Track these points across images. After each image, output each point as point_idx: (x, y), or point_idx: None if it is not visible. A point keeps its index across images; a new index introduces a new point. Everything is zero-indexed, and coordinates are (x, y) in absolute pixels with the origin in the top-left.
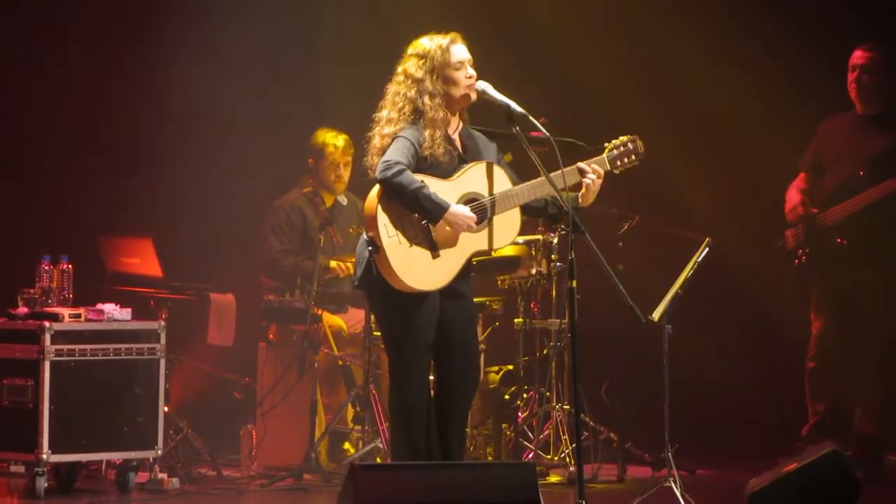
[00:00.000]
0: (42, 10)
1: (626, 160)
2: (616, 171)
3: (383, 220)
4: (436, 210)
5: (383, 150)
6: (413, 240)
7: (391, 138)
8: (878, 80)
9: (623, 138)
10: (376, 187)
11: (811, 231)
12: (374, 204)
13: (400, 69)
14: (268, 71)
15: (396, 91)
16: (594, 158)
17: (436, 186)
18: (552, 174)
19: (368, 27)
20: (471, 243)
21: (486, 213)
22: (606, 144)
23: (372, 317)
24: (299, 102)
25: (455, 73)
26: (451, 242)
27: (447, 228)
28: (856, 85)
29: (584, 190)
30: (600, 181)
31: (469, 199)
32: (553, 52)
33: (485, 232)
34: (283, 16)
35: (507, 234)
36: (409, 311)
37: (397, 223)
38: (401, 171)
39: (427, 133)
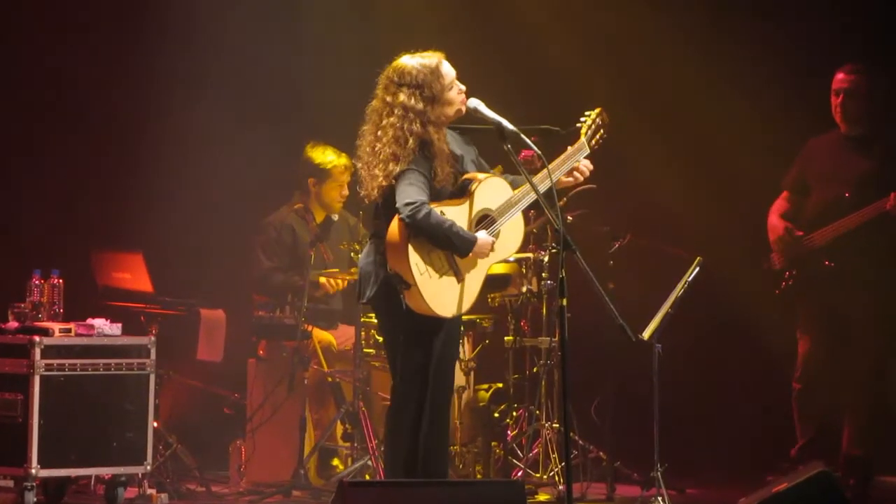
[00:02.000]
0: (41, 21)
1: (598, 136)
2: (592, 149)
3: (414, 258)
4: (465, 245)
5: (389, 189)
6: (440, 270)
7: (396, 176)
8: (862, 102)
9: (591, 114)
10: (396, 222)
11: (798, 254)
12: (402, 242)
13: (391, 99)
14: (258, 89)
15: (398, 125)
16: (574, 145)
17: (453, 214)
18: (537, 177)
19: (358, 41)
20: (488, 258)
21: (497, 227)
22: (579, 125)
23: (362, 333)
24: (289, 120)
25: (450, 93)
26: (473, 263)
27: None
28: (840, 109)
29: (571, 180)
30: (588, 170)
31: (481, 217)
32: (543, 68)
33: (498, 243)
34: (273, 34)
35: (515, 240)
36: (425, 337)
37: (426, 259)
38: (429, 213)
39: (437, 166)
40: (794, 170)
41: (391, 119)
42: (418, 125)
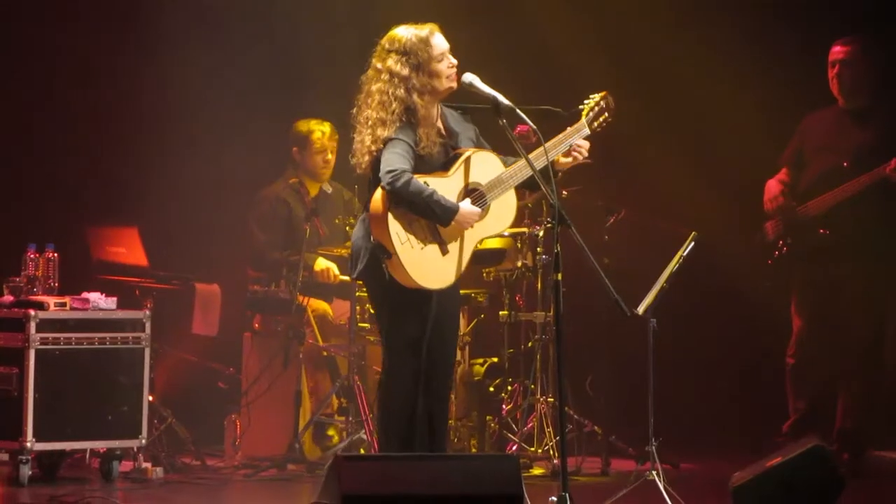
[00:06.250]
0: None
1: (601, 119)
2: (594, 132)
3: (395, 227)
4: (446, 214)
5: (377, 152)
6: (423, 240)
7: (384, 141)
8: (859, 72)
9: (596, 97)
10: (379, 192)
11: (791, 222)
12: (383, 211)
13: (380, 66)
14: (252, 63)
15: (384, 90)
16: (574, 126)
17: (438, 185)
18: (532, 154)
19: (351, 19)
20: (475, 233)
21: (486, 201)
22: (581, 107)
23: (357, 308)
24: (283, 94)
25: (439, 65)
26: (458, 235)
27: (453, 224)
28: (837, 80)
29: (570, 160)
30: (586, 150)
31: (470, 191)
32: (540, 48)
33: (487, 218)
34: (267, 9)
35: (506, 217)
36: (414, 309)
37: (408, 228)
38: (409, 181)
39: (422, 132)
40: (791, 145)
41: (378, 84)
42: (402, 90)
